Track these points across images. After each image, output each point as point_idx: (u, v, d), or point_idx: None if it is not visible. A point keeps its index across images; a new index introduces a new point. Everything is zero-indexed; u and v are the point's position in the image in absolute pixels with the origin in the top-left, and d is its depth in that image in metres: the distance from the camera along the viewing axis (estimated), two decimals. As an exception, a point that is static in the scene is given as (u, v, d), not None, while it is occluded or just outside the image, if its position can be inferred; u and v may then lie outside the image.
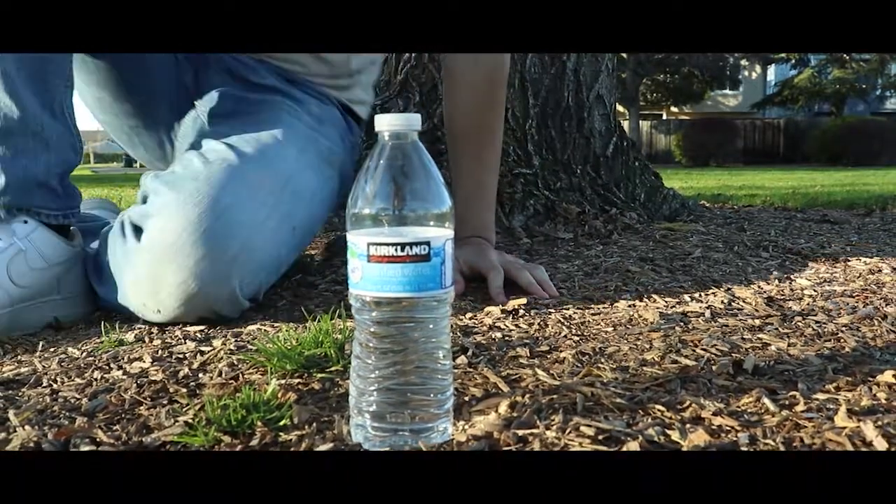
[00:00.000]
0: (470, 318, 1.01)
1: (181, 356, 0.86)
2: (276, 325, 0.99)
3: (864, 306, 1.09)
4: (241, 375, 0.78)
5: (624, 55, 23.71)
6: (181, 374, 0.80)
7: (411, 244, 0.58)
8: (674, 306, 1.07)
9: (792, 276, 1.30)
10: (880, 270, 1.37)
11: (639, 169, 2.08)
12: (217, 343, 0.91)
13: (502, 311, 1.03)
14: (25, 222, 0.99)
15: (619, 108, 26.66)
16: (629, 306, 1.08)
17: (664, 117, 27.88)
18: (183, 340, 0.93)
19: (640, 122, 24.84)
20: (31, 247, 0.98)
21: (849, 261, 1.46)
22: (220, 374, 0.79)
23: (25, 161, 0.98)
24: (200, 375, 0.79)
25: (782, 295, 1.16)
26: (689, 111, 27.99)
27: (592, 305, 1.09)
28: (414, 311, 0.59)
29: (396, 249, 0.57)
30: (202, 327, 0.99)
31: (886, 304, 1.10)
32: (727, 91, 29.16)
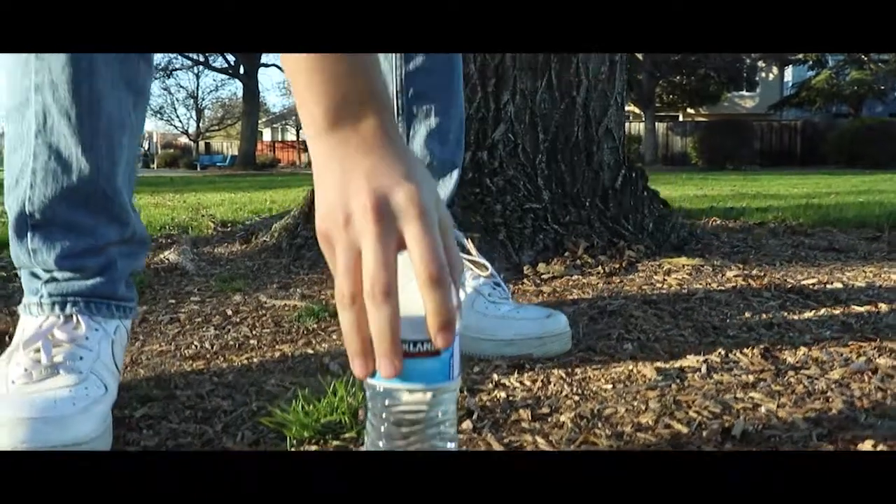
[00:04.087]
0: (477, 372, 1.07)
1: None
2: (294, 380, 1.05)
3: (857, 357, 1.13)
4: (261, 440, 0.84)
5: (640, 56, 23.68)
6: (205, 437, 0.86)
7: (422, 341, 0.63)
8: (672, 360, 1.12)
9: (791, 320, 1.35)
10: (878, 312, 1.41)
11: (647, 198, 2.13)
12: (239, 396, 0.97)
13: (509, 366, 1.08)
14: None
15: (635, 109, 26.71)
16: (630, 358, 1.13)
17: (680, 119, 27.79)
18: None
19: (656, 123, 24.79)
20: (122, 326, 0.98)
21: (850, 299, 1.50)
22: (242, 438, 0.85)
23: (134, 261, 1.00)
24: (224, 438, 0.85)
25: (779, 343, 1.20)
26: (706, 113, 27.89)
27: (595, 356, 1.14)
28: (422, 399, 0.64)
29: (408, 346, 0.62)
30: (225, 378, 1.05)
31: (879, 355, 1.15)
32: (744, 92, 29.03)
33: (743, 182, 9.95)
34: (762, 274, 1.74)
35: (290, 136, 39.22)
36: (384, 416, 0.65)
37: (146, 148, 38.40)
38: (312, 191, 2.15)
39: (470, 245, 1.24)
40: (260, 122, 34.92)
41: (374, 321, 0.55)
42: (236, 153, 32.41)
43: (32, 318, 0.91)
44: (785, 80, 28.35)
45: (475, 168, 1.85)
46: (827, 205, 4.59)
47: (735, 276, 1.71)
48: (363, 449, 0.67)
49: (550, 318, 1.15)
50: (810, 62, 24.52)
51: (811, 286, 1.63)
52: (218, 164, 35.80)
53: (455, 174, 1.24)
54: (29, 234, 0.90)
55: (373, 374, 0.64)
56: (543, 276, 1.66)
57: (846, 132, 20.69)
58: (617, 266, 1.74)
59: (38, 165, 0.88)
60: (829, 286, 1.65)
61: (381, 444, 0.65)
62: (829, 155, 21.01)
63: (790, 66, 26.75)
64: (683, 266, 1.77)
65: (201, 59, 30.81)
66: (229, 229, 3.06)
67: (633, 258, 1.82)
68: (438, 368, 0.63)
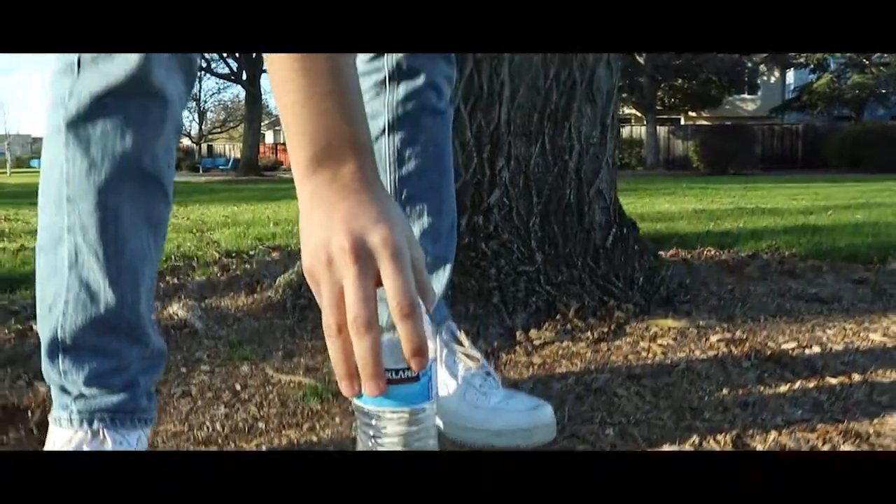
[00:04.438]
0: (468, 466, 1.16)
1: None
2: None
3: (822, 444, 1.22)
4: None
5: (641, 60, 23.76)
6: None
7: (402, 369, 0.70)
8: (649, 448, 1.21)
9: (766, 396, 1.44)
10: (850, 385, 1.50)
11: (637, 252, 2.22)
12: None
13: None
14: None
15: (637, 113, 26.80)
16: (610, 447, 1.22)
17: (682, 122, 27.85)
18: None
19: (658, 127, 24.87)
20: (143, 435, 1.07)
21: (825, 368, 1.59)
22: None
23: (154, 374, 1.08)
24: None
25: (751, 427, 1.29)
26: (707, 116, 27.95)
27: (577, 444, 1.23)
28: (405, 418, 0.73)
29: (391, 374, 0.71)
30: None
31: (844, 440, 1.23)
32: (745, 95, 29.09)
33: (743, 191, 10.02)
34: (745, 336, 1.83)
35: (293, 138, 39.34)
36: (372, 433, 0.74)
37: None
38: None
39: (462, 336, 1.33)
40: (262, 124, 35.08)
41: (357, 350, 0.63)
42: (238, 156, 32.58)
43: (62, 430, 1.01)
44: (786, 83, 28.42)
45: (471, 233, 1.94)
46: (822, 227, 4.67)
47: (718, 340, 1.79)
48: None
49: (538, 410, 1.24)
50: (812, 65, 24.58)
51: (790, 352, 1.72)
52: (220, 166, 36.02)
53: (448, 268, 1.33)
54: (60, 357, 1.00)
55: (360, 396, 0.73)
56: (535, 343, 1.75)
57: (847, 136, 20.76)
58: (605, 330, 1.83)
59: (70, 297, 0.98)
60: (807, 351, 1.74)
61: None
62: (831, 158, 21.09)
63: (791, 69, 26.81)
64: (669, 329, 1.86)
65: (203, 64, 30.92)
66: (234, 266, 3.15)
67: (621, 319, 1.90)
68: (418, 391, 0.72)
